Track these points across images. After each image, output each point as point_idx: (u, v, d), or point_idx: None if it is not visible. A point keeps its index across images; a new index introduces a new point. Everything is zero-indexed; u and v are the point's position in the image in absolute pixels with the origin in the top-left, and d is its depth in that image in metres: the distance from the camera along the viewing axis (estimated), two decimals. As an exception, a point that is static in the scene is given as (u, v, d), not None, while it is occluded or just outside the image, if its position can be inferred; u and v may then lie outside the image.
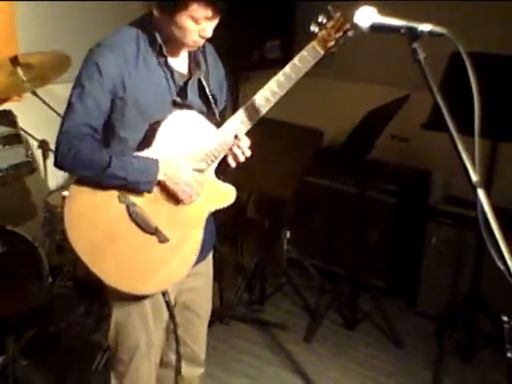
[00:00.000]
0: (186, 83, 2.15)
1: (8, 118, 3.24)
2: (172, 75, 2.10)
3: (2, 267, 3.13)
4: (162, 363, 2.39)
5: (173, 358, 2.38)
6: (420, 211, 4.02)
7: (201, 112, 2.16)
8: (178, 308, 2.29)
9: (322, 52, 2.07)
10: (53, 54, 3.29)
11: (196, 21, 1.98)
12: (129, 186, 2.02)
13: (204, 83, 2.18)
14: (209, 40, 2.11)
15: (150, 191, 2.05)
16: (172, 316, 2.23)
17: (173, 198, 2.10)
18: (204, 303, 2.43)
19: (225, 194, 2.19)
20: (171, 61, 2.11)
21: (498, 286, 3.36)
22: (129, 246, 2.05)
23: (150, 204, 2.07)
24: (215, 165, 2.16)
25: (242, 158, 2.14)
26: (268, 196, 3.76)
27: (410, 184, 4.13)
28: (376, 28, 1.58)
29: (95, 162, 1.98)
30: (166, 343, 2.37)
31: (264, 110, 2.10)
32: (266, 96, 2.07)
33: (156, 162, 2.03)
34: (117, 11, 3.89)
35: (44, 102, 3.37)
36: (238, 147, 2.11)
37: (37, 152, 3.61)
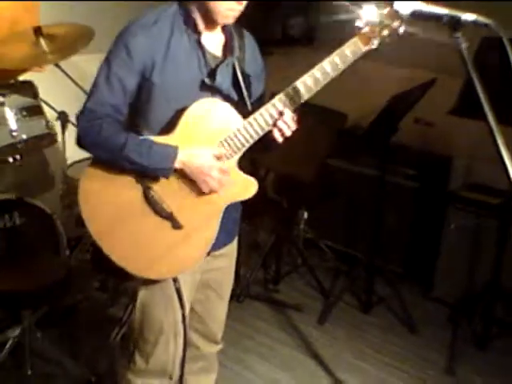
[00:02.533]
0: (217, 66, 2.08)
1: (29, 89, 3.20)
2: (204, 55, 2.04)
3: (20, 239, 3.13)
4: None
5: (192, 335, 2.36)
6: (439, 196, 3.98)
7: (229, 99, 2.10)
8: (200, 286, 2.27)
9: (364, 49, 2.02)
10: (76, 25, 3.23)
11: None
12: (143, 171, 1.99)
13: (237, 70, 2.11)
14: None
15: (166, 177, 2.01)
16: (181, 304, 2.17)
17: (192, 186, 2.05)
18: (226, 283, 2.41)
19: (245, 187, 2.12)
20: (205, 40, 2.05)
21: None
22: (141, 228, 2.03)
23: (167, 189, 2.02)
24: (239, 155, 2.09)
25: (288, 132, 2.06)
26: (289, 176, 3.73)
27: (430, 169, 4.09)
28: (417, 15, 1.54)
29: (112, 144, 1.96)
30: None
31: (296, 103, 2.04)
32: (300, 90, 2.02)
33: (175, 149, 1.98)
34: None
35: (66, 73, 3.33)
36: (283, 122, 2.03)
37: (55, 123, 3.59)
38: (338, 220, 4.25)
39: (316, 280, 4.02)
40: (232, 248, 2.35)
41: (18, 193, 3.19)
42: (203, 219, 2.09)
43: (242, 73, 2.12)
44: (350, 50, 2.01)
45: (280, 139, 2.07)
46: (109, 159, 1.99)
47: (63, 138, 3.62)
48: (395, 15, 1.95)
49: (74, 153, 3.89)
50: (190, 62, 2.03)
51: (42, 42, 3.17)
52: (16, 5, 3.44)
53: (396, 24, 1.97)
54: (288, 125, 2.05)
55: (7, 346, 2.98)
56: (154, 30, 1.98)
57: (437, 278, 3.90)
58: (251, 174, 2.16)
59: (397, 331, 3.66)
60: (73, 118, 3.59)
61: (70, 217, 3.46)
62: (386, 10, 1.96)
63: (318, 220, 4.21)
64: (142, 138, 2.01)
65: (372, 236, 3.73)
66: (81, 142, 2.03)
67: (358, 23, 2.00)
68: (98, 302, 3.47)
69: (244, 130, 2.05)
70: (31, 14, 3.49)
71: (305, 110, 3.44)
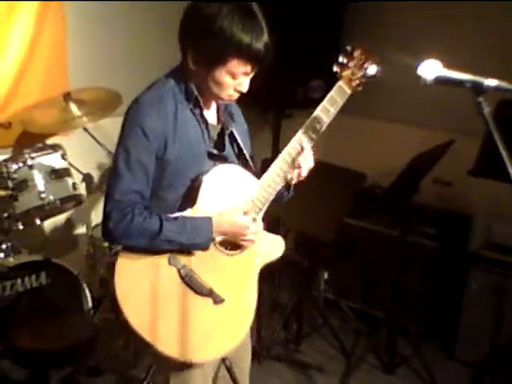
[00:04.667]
0: (221, 135, 2.14)
1: (58, 151, 3.30)
2: (207, 127, 2.09)
3: (45, 299, 3.17)
4: None
5: None
6: (460, 256, 3.99)
7: (234, 164, 2.15)
8: (223, 365, 2.24)
9: (349, 91, 2.10)
10: (104, 90, 3.36)
11: (234, 76, 1.97)
12: (182, 249, 1.99)
13: (236, 136, 2.17)
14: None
15: (206, 250, 2.01)
16: (233, 378, 2.20)
17: (225, 253, 2.06)
18: (246, 357, 2.38)
19: (274, 246, 2.16)
20: (204, 112, 2.09)
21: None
22: (184, 312, 1.98)
23: (200, 263, 2.02)
24: (261, 215, 2.12)
25: (305, 171, 2.11)
26: (309, 236, 3.76)
27: (450, 228, 4.10)
28: (440, 81, 1.60)
29: (148, 230, 1.93)
30: None
31: (300, 153, 2.08)
32: (302, 139, 2.08)
33: (209, 220, 2.00)
34: (169, 50, 3.97)
35: (92, 136, 3.43)
36: (304, 157, 2.08)
37: (81, 185, 3.67)
38: (359, 280, 4.25)
39: (337, 340, 4.00)
40: None
41: (43, 253, 3.25)
42: (242, 286, 2.09)
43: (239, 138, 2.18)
44: (338, 95, 2.09)
45: (295, 179, 2.11)
46: (145, 246, 1.96)
47: (88, 200, 3.70)
48: (367, 56, 2.11)
49: (98, 214, 3.99)
50: (197, 135, 2.06)
51: (72, 107, 3.29)
52: (46, 70, 3.58)
53: (367, 64, 2.11)
54: (308, 161, 2.09)
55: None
56: (161, 107, 1.99)
57: (460, 338, 3.87)
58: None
59: (420, 392, 3.62)
60: (97, 180, 3.69)
61: (94, 276, 3.51)
62: (358, 52, 2.12)
63: (339, 280, 4.22)
64: (173, 216, 1.99)
65: (393, 296, 3.73)
66: (112, 233, 1.96)
67: (335, 68, 2.12)
68: (121, 362, 3.47)
69: (265, 183, 2.08)
70: (60, 79, 3.63)
71: (323, 171, 3.54)
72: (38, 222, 3.26)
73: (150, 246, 1.96)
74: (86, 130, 3.37)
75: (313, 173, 3.49)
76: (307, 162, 2.10)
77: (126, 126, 1.99)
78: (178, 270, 1.99)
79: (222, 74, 1.96)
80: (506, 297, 3.64)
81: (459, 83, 1.56)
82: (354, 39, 4.37)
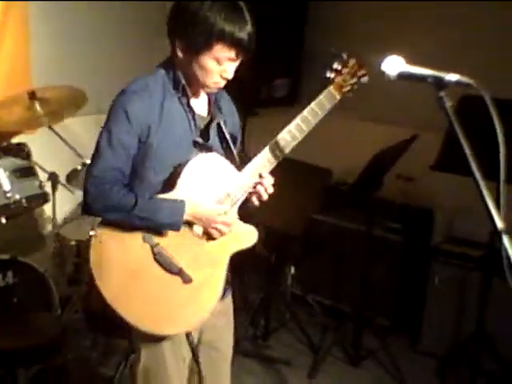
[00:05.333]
0: (207, 125, 2.20)
1: (23, 150, 3.28)
2: (193, 116, 2.14)
3: (12, 298, 3.15)
4: None
5: None
6: (423, 250, 4.07)
7: (218, 154, 2.20)
8: (202, 346, 2.28)
9: (339, 97, 2.19)
10: (69, 88, 3.34)
11: (219, 61, 2.03)
12: (155, 228, 2.06)
13: (223, 128, 2.23)
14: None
15: (177, 231, 2.07)
16: (196, 358, 2.23)
17: (197, 237, 2.13)
18: (227, 341, 2.41)
19: (247, 235, 2.21)
20: (192, 102, 2.15)
21: (502, 325, 3.45)
22: (153, 287, 2.06)
23: (173, 244, 2.09)
24: (237, 206, 2.19)
25: (265, 196, 2.17)
26: (277, 232, 3.80)
27: (413, 222, 4.19)
28: (403, 76, 1.65)
29: (123, 205, 2.03)
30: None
31: (285, 152, 2.16)
32: (286, 139, 2.15)
33: (182, 203, 2.06)
34: (132, 49, 3.98)
35: (58, 135, 3.41)
36: (261, 185, 2.15)
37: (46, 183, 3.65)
38: (325, 274, 4.30)
39: (305, 335, 4.05)
40: (228, 305, 2.36)
41: (10, 251, 3.23)
42: (210, 270, 2.15)
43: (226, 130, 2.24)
44: (327, 99, 2.17)
45: (257, 203, 2.18)
46: (119, 219, 2.05)
47: (54, 198, 3.68)
48: (362, 65, 2.21)
49: (64, 212, 3.97)
50: (183, 124, 2.12)
51: (36, 105, 3.27)
52: (9, 68, 3.55)
53: (362, 72, 2.20)
54: (266, 188, 2.15)
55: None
56: (147, 94, 2.07)
57: (423, 331, 3.95)
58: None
59: (386, 384, 3.69)
60: (63, 179, 3.67)
61: (61, 275, 3.50)
62: (353, 61, 2.20)
63: (305, 275, 4.26)
64: (149, 196, 2.07)
65: (359, 290, 3.79)
66: (91, 209, 2.07)
67: (328, 74, 2.19)
68: (89, 361, 3.47)
69: (242, 179, 2.14)
70: (24, 77, 3.60)
71: (290, 167, 3.57)
72: (3, 220, 3.22)
73: (124, 221, 2.04)
74: (51, 128, 3.35)
75: (281, 169, 3.54)
76: (267, 191, 2.16)
77: (111, 111, 2.08)
78: (151, 248, 2.06)
79: (208, 60, 2.02)
80: (467, 289, 3.73)
81: (421, 78, 1.60)
82: (317, 39, 4.44)
